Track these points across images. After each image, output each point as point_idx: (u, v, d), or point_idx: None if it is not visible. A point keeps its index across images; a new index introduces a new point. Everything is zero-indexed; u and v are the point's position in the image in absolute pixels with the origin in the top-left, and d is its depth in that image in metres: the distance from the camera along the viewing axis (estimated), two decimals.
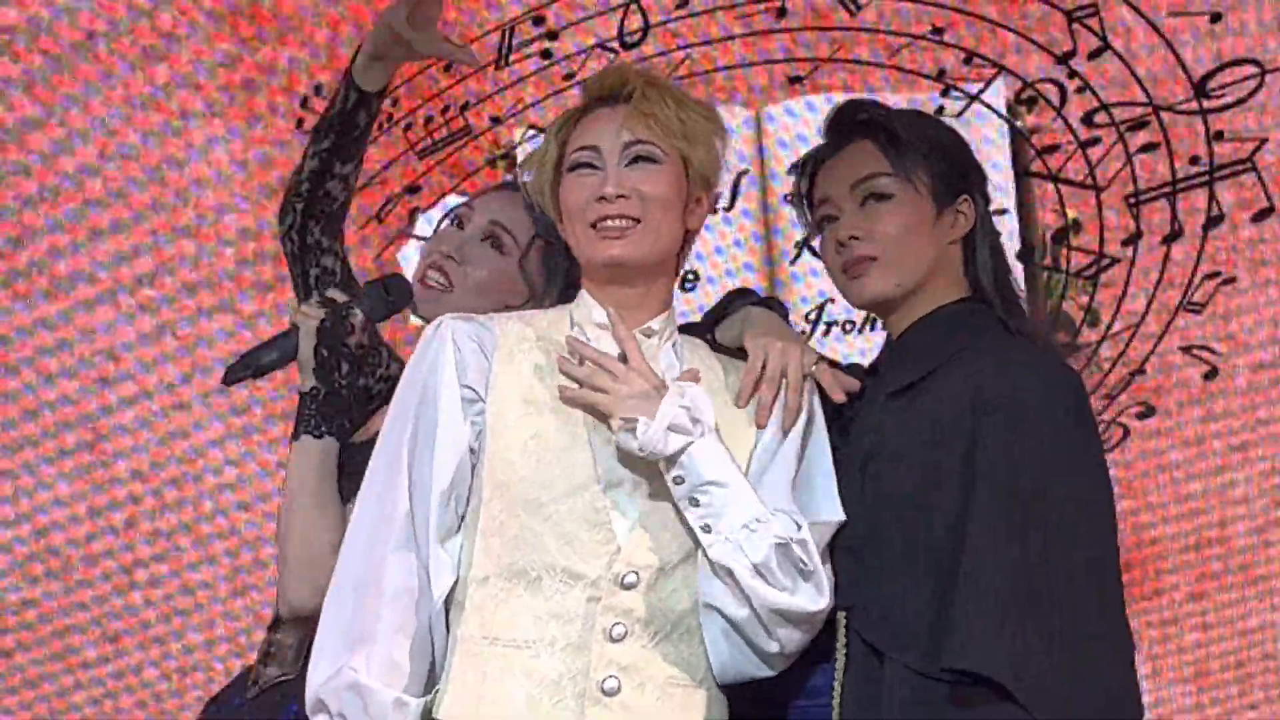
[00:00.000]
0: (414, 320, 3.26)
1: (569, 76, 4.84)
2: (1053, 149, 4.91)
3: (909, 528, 2.62)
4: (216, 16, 4.77)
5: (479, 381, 2.65)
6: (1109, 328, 4.93)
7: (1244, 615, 4.93)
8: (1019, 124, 4.91)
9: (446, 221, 3.16)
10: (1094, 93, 4.86)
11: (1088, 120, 4.88)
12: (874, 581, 2.64)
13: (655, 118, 2.66)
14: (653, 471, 2.61)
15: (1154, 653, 4.90)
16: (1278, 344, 4.91)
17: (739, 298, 2.99)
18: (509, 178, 4.25)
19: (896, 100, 4.73)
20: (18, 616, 4.83)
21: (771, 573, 2.56)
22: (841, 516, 2.67)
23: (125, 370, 4.82)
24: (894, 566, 2.63)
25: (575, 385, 2.64)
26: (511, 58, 4.86)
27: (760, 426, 2.69)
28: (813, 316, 4.92)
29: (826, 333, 4.92)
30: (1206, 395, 4.91)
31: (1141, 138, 4.87)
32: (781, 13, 4.87)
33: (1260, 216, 4.88)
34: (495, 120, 4.91)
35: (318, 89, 4.76)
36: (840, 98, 4.45)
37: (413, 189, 4.92)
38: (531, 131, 4.83)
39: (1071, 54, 4.85)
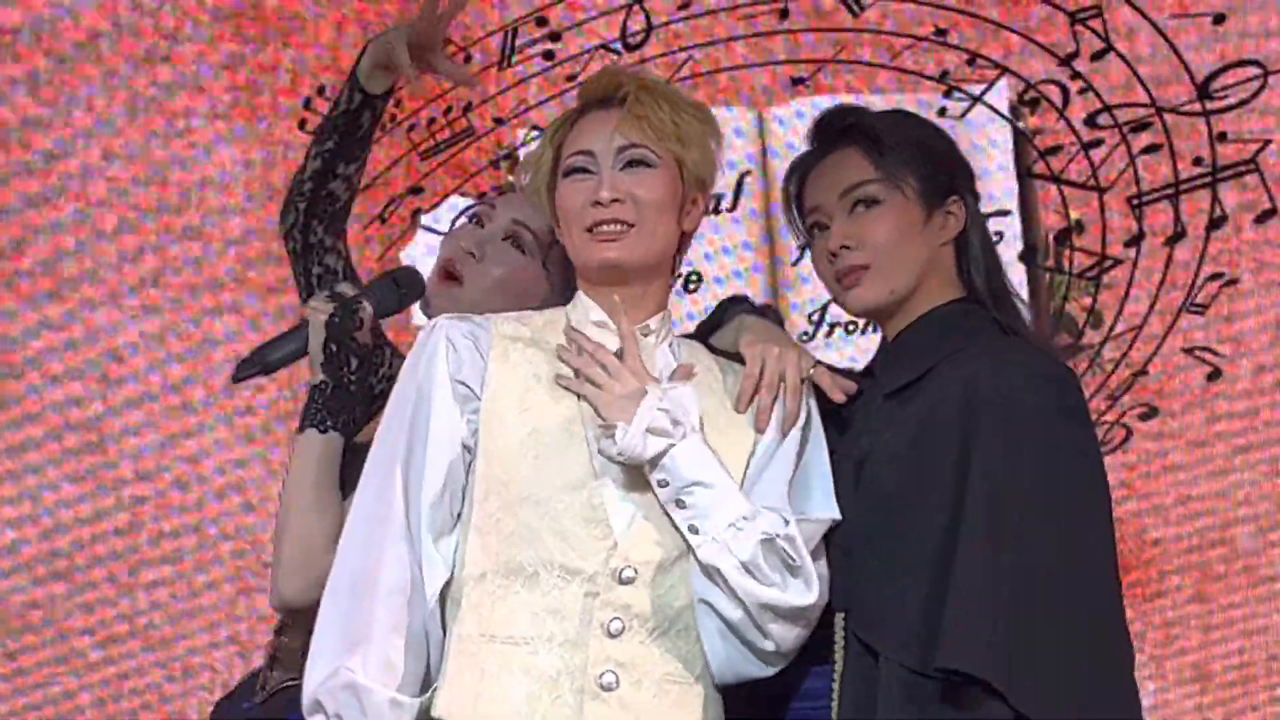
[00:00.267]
0: (415, 322, 3.26)
1: (572, 78, 4.84)
2: (1055, 150, 4.90)
3: (905, 528, 2.62)
4: (220, 17, 4.77)
5: (474, 379, 2.65)
6: (1112, 329, 4.92)
7: (1247, 617, 4.92)
8: (1022, 125, 4.91)
9: (464, 219, 3.14)
10: (1097, 94, 4.85)
11: (1090, 122, 4.87)
12: (871, 581, 2.64)
13: (649, 121, 2.66)
14: None
15: (1157, 654, 4.89)
16: None
17: (733, 305, 2.99)
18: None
19: (899, 101, 4.73)
20: (22, 618, 4.82)
21: (759, 569, 2.56)
22: (836, 515, 2.67)
23: (129, 371, 4.81)
24: (890, 566, 2.63)
25: (573, 375, 2.65)
26: (514, 58, 4.86)
27: (760, 431, 2.69)
28: (816, 318, 4.92)
29: (830, 334, 4.91)
30: (1209, 397, 4.90)
31: (1144, 139, 4.86)
32: (784, 14, 4.87)
33: (1263, 218, 4.87)
34: (498, 121, 4.91)
35: (321, 90, 4.76)
36: (844, 99, 4.47)
37: (416, 190, 4.92)
38: (534, 132, 4.82)
39: (1074, 55, 4.85)
